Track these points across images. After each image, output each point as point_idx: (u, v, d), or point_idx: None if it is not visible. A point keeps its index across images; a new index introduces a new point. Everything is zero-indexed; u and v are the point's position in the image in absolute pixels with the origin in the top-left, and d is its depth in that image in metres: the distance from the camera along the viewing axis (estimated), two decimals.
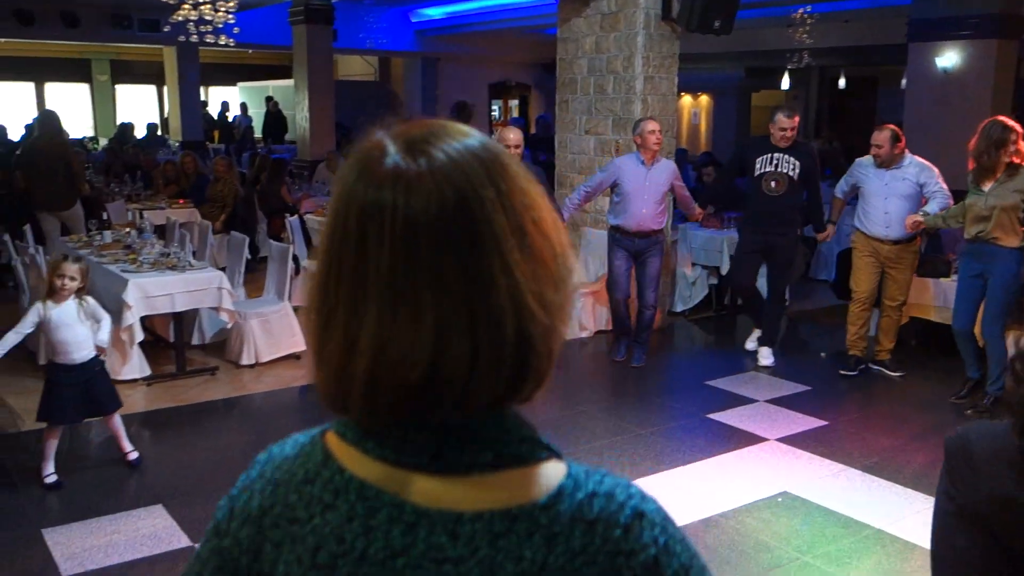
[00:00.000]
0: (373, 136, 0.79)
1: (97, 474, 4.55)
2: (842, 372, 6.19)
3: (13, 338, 4.36)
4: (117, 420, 4.55)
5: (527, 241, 0.76)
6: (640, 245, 6.26)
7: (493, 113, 20.28)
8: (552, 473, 0.79)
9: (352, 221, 0.76)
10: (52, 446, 4.34)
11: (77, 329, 4.30)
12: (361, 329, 0.75)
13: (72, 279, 4.28)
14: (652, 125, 6.15)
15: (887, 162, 5.85)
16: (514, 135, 5.92)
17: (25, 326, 4.36)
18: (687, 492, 4.37)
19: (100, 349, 4.45)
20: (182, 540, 3.83)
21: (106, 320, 4.47)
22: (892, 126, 5.94)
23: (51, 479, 4.31)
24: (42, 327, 4.36)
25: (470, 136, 0.79)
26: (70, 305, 4.31)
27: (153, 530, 3.91)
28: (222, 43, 11.26)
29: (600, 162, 7.42)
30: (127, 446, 4.59)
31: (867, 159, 6.01)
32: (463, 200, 0.74)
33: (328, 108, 13.48)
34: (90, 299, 4.44)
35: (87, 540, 3.80)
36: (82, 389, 4.32)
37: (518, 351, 0.75)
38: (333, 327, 0.77)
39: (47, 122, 8.43)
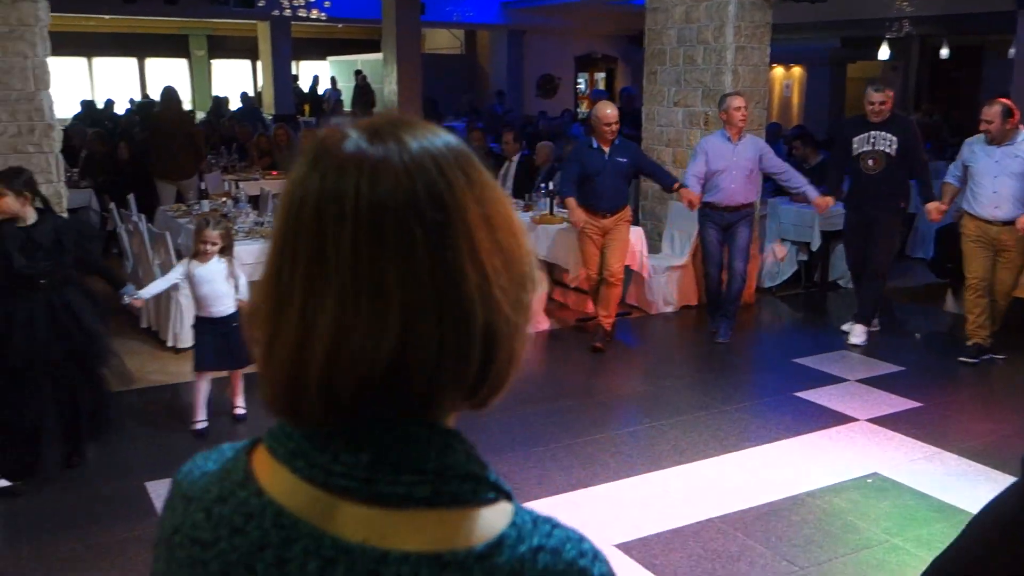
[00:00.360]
0: (328, 127, 0.73)
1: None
2: (962, 360, 5.88)
3: (161, 285, 4.99)
4: (240, 375, 4.86)
5: (497, 235, 0.71)
6: (730, 219, 6.24)
7: (579, 86, 20.13)
8: (495, 518, 0.70)
9: (308, 211, 0.69)
10: (202, 394, 4.68)
11: (218, 285, 4.67)
12: (319, 315, 0.68)
13: (214, 244, 4.67)
14: (738, 101, 6.07)
15: (998, 138, 5.59)
16: (611, 110, 5.92)
17: (172, 277, 4.88)
18: (773, 469, 4.31)
19: (242, 303, 4.81)
20: None
21: (243, 278, 4.84)
22: (1004, 100, 5.66)
23: (201, 426, 4.65)
24: (189, 282, 4.78)
25: (436, 129, 0.74)
26: (214, 264, 4.67)
27: None
28: (314, 17, 11.46)
29: (688, 135, 7.31)
30: (239, 401, 4.87)
31: (977, 137, 5.76)
32: (433, 185, 0.69)
33: (416, 81, 13.59)
34: (234, 260, 4.78)
35: None
36: (222, 340, 4.66)
37: (484, 347, 0.70)
38: (286, 315, 0.70)
39: (169, 97, 9.10)
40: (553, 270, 7.03)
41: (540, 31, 18.08)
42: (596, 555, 0.73)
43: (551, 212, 7.00)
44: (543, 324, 6.65)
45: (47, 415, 4.00)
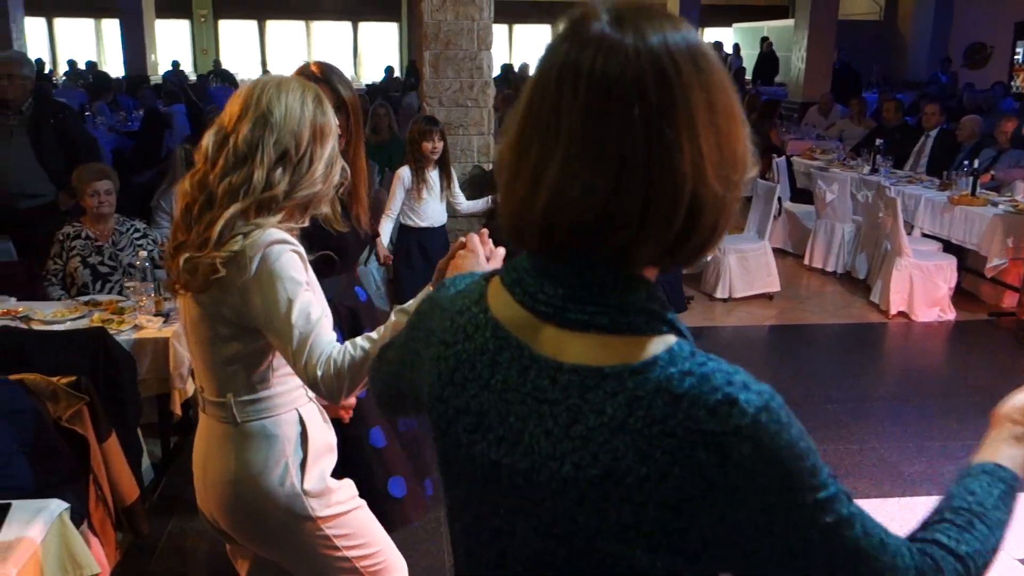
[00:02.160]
0: (584, 8, 0.84)
1: None
2: None
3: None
4: None
5: (716, 119, 0.81)
6: None
7: (1016, 57, 17.75)
8: (657, 346, 0.83)
9: (552, 75, 0.82)
10: None
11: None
12: (548, 168, 0.82)
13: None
14: None
15: None
16: None
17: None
18: None
19: None
20: None
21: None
22: None
23: None
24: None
25: (678, 22, 0.83)
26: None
27: None
28: None
29: None
30: None
31: None
32: (662, 70, 0.79)
33: (827, 49, 12.96)
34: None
35: None
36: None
37: (689, 213, 0.80)
38: (523, 165, 0.84)
39: None
40: (966, 256, 6.38)
41: None
42: (748, 386, 0.79)
43: (972, 193, 6.35)
44: (948, 314, 6.10)
45: None
